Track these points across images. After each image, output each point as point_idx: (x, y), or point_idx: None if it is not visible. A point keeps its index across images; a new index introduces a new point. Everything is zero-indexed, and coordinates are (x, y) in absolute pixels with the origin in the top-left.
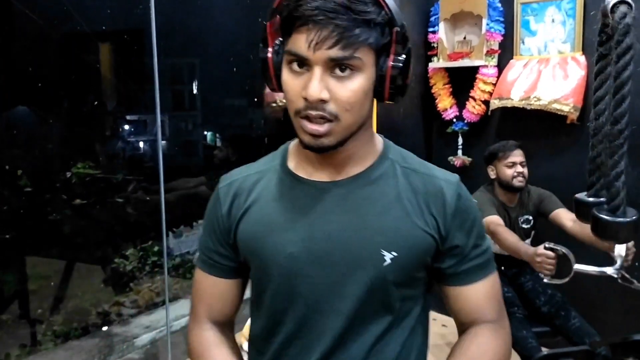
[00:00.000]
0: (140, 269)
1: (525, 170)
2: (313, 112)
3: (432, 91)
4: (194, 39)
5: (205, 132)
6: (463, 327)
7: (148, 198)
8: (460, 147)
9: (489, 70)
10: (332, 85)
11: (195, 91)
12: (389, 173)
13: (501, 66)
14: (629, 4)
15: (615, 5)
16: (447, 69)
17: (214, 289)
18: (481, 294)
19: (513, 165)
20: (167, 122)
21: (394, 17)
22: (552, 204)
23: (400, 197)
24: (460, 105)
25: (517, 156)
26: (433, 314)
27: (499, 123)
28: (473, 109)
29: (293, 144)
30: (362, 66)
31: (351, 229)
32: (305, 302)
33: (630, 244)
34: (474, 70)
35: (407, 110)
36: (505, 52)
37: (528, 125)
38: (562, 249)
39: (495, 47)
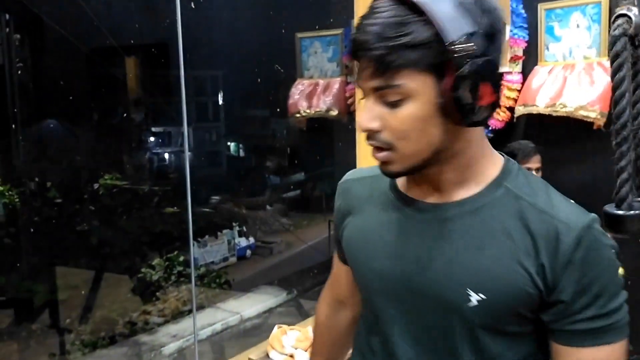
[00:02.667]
0: (166, 278)
1: (539, 175)
2: (370, 142)
3: None
4: (217, 51)
5: (229, 143)
6: None
7: (175, 208)
8: None
9: (513, 76)
10: (384, 114)
11: (219, 103)
12: (498, 203)
13: (525, 73)
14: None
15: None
16: None
17: (338, 269)
18: None
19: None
20: (191, 133)
21: (445, 31)
22: None
23: (505, 232)
24: None
25: (535, 162)
26: None
27: (524, 130)
28: (498, 116)
29: None
30: (411, 92)
31: (441, 260)
32: (385, 320)
33: None
34: None
35: None
36: (530, 59)
37: (554, 132)
38: None
39: (519, 53)
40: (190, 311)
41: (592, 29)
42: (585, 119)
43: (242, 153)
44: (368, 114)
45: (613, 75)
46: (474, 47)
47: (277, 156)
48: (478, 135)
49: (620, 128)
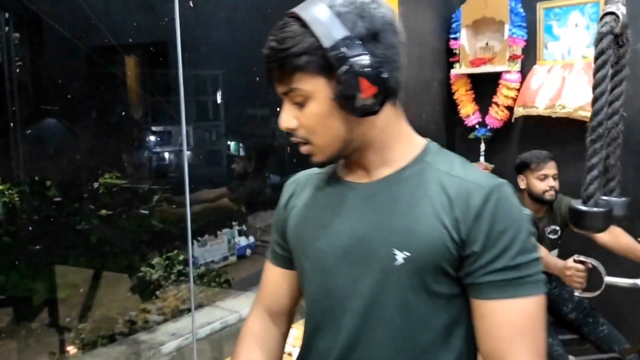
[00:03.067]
0: (165, 277)
1: (556, 184)
2: (292, 139)
3: (455, 97)
4: (217, 50)
5: (229, 142)
6: (485, 357)
7: (174, 207)
8: (483, 153)
9: (512, 75)
10: (297, 114)
11: (218, 102)
12: (419, 174)
13: (524, 71)
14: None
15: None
16: (469, 75)
17: (272, 276)
18: (511, 316)
19: (545, 179)
20: (191, 132)
21: (321, 38)
22: None
23: (426, 198)
24: (483, 111)
25: (551, 169)
26: None
27: (522, 129)
28: (496, 115)
29: None
30: (308, 93)
31: (372, 228)
32: (328, 296)
33: None
34: (497, 76)
35: (430, 117)
36: (529, 58)
37: (552, 131)
38: (592, 262)
39: (518, 52)
40: (189, 310)
41: (590, 28)
42: (584, 120)
43: (242, 152)
44: (285, 115)
45: (595, 73)
46: (346, 49)
47: (277, 154)
48: (388, 123)
49: (597, 125)
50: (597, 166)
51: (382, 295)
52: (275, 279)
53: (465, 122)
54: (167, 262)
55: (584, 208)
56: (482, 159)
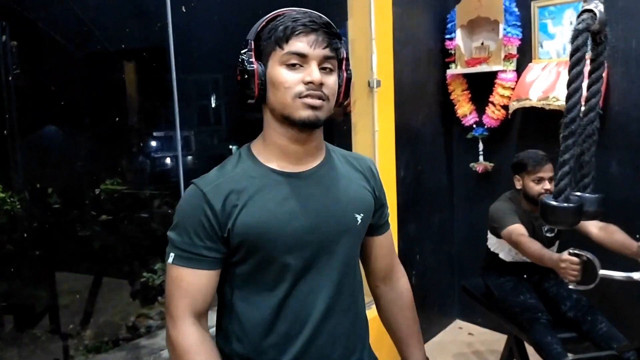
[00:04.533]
0: None
1: (552, 186)
2: (315, 92)
3: (451, 97)
4: (216, 54)
5: (231, 147)
6: (380, 273)
7: (170, 212)
8: (482, 152)
9: (507, 74)
10: (323, 77)
11: (220, 106)
12: (335, 160)
13: (520, 70)
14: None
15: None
16: (465, 75)
17: (198, 281)
18: (390, 239)
19: (541, 181)
20: (192, 137)
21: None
22: None
23: (350, 174)
24: (480, 111)
25: (547, 171)
26: (460, 323)
27: (519, 127)
28: (493, 114)
29: (255, 147)
30: (336, 67)
31: (331, 204)
32: (306, 259)
33: None
34: (493, 75)
35: (427, 117)
36: (524, 56)
37: (549, 127)
38: (587, 255)
39: (514, 51)
40: None
41: None
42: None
43: None
44: (318, 73)
45: (570, 70)
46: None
47: None
48: None
49: (569, 122)
50: (568, 162)
51: (352, 248)
52: (202, 282)
53: (463, 122)
54: None
55: (554, 203)
56: (481, 158)
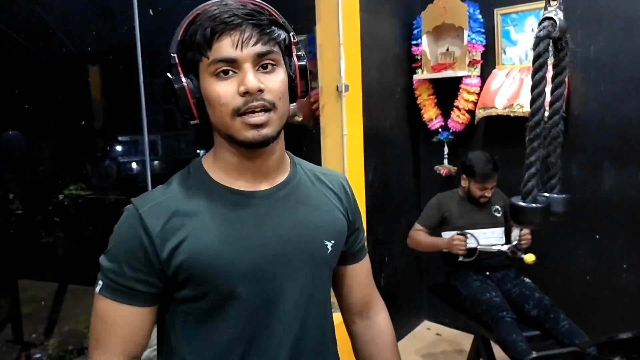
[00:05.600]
0: None
1: (491, 192)
2: (255, 103)
3: (418, 102)
4: None
5: (198, 151)
6: (356, 307)
7: None
8: (446, 156)
9: (472, 80)
10: (263, 79)
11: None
12: (303, 176)
13: (484, 76)
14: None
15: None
16: (431, 80)
17: (130, 318)
18: (368, 267)
19: (484, 189)
20: (158, 141)
21: (287, 28)
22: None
23: (320, 194)
24: (446, 115)
25: (491, 182)
26: (428, 324)
27: (484, 132)
28: (458, 119)
29: (206, 162)
30: (279, 61)
31: (297, 229)
32: (266, 296)
33: (525, 230)
34: (458, 80)
35: (394, 122)
36: (488, 62)
37: (512, 132)
38: (470, 232)
39: (478, 57)
40: None
41: None
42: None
43: None
44: (253, 77)
45: (533, 75)
46: (299, 45)
47: None
48: None
49: (534, 125)
50: (535, 164)
51: (322, 281)
52: (133, 320)
53: (429, 126)
54: None
55: (522, 204)
56: (445, 161)
